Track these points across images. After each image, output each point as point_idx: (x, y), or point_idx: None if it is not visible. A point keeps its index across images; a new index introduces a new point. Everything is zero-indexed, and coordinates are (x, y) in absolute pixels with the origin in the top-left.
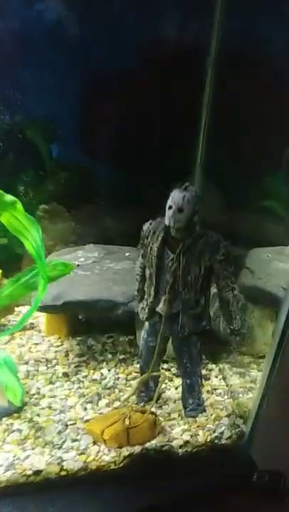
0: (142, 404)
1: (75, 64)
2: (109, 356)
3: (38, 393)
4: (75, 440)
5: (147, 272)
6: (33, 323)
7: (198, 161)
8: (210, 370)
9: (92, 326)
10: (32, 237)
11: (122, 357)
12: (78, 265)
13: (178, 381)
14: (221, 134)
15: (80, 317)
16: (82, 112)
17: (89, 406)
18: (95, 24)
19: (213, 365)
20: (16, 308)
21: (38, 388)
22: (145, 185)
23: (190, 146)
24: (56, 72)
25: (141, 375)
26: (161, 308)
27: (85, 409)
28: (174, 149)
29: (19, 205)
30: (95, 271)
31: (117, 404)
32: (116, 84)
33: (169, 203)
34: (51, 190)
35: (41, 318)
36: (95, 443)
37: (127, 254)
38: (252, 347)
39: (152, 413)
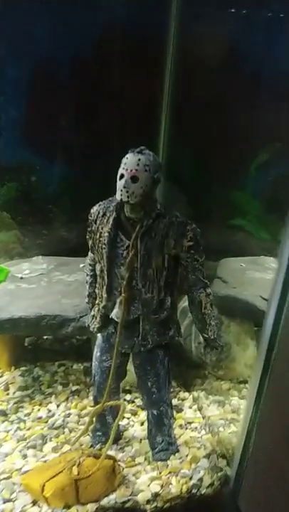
0: (98, 446)
1: (17, 50)
2: (60, 388)
3: None
4: (8, 500)
5: (98, 267)
6: None
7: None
8: (183, 400)
9: (40, 352)
10: None
11: (74, 388)
12: (21, 278)
13: (144, 415)
14: (183, 134)
15: (25, 343)
16: (26, 105)
17: (30, 452)
18: (40, 11)
19: (186, 394)
20: None
21: None
22: (102, 188)
23: (150, 145)
24: None
25: (94, 406)
26: (115, 313)
27: (25, 456)
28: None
29: None
30: (41, 283)
31: (67, 448)
32: (67, 77)
33: (120, 171)
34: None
35: None
36: (34, 503)
37: (82, 265)
38: (230, 370)
39: (110, 457)
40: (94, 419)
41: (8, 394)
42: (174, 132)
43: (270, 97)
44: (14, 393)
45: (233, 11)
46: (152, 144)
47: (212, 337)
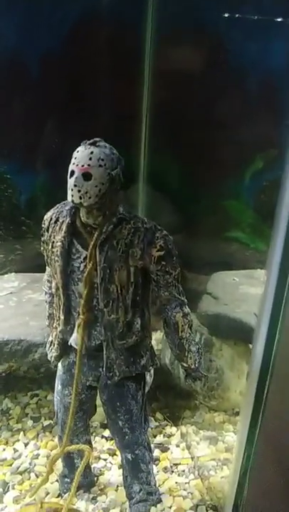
0: (66, 495)
1: None
2: (30, 423)
3: None
4: None
5: (53, 283)
6: None
7: (141, 168)
8: (169, 437)
9: (13, 380)
10: None
11: (46, 423)
12: None
13: None
14: (167, 136)
15: None
16: None
17: None
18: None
19: (174, 429)
20: None
21: None
22: None
23: (130, 150)
24: None
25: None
26: (74, 339)
27: None
28: None
29: None
30: (9, 304)
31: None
32: (36, 77)
33: (71, 167)
34: None
35: None
36: None
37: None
38: (224, 399)
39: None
40: (62, 463)
41: None
42: (158, 136)
43: (262, 101)
44: None
45: (215, 12)
46: (134, 150)
47: (192, 366)
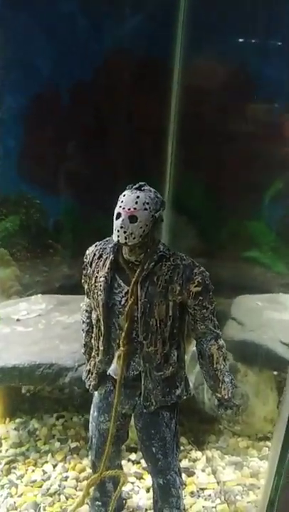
0: None
1: (15, 77)
2: (57, 445)
3: None
4: None
5: (94, 315)
6: None
7: (166, 193)
8: (194, 461)
9: (38, 401)
10: None
11: (74, 445)
12: (18, 320)
13: (150, 479)
14: (191, 162)
15: (22, 391)
16: (24, 135)
17: None
18: (40, 36)
19: (199, 453)
20: None
21: None
22: (105, 221)
23: (156, 175)
24: None
25: (93, 473)
26: (113, 369)
27: None
28: (136, 176)
29: None
30: (38, 326)
31: None
32: (68, 105)
33: (117, 209)
34: None
35: None
36: None
37: (83, 303)
38: (248, 425)
39: None
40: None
41: (0, 451)
42: (181, 161)
43: (285, 124)
44: (7, 451)
45: (241, 38)
46: (158, 173)
47: (226, 396)
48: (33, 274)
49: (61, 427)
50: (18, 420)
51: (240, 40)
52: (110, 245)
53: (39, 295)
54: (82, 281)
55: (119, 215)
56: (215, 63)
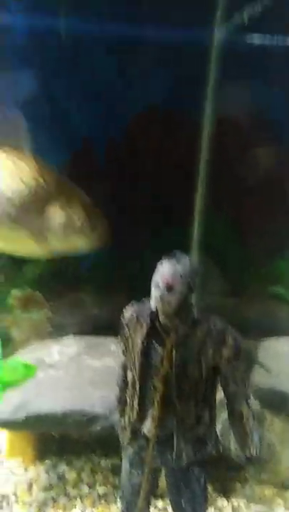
0: None
1: (55, 136)
2: (86, 490)
3: None
4: None
5: (129, 374)
6: None
7: (194, 236)
8: (220, 510)
9: (66, 444)
10: None
11: (102, 491)
12: (50, 364)
13: None
14: (219, 207)
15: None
16: None
17: None
18: (80, 91)
19: (225, 501)
20: None
21: None
22: (136, 265)
23: (185, 221)
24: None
25: None
26: (147, 428)
27: None
28: (167, 224)
29: None
30: (70, 370)
31: None
32: (103, 159)
33: (156, 279)
34: (26, 274)
35: (4, 432)
36: None
37: (112, 347)
38: (274, 473)
39: None
40: None
41: (31, 495)
42: (209, 207)
43: None
44: (38, 494)
45: (268, 91)
46: (186, 218)
47: (254, 454)
48: (65, 316)
49: (89, 471)
50: (47, 462)
51: (268, 92)
52: (147, 310)
53: (70, 336)
54: (119, 339)
55: (157, 285)
56: (241, 116)
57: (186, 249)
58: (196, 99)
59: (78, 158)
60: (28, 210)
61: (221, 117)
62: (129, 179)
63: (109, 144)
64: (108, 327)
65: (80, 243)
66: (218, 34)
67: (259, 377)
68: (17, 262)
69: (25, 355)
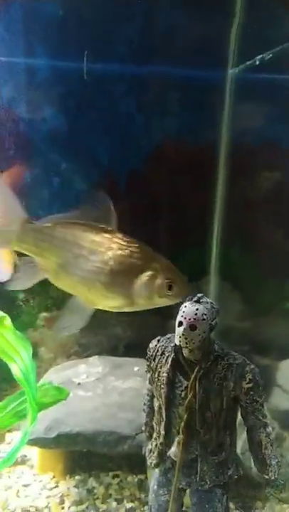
0: None
1: (79, 167)
2: (114, 505)
3: None
4: None
5: (156, 403)
6: (25, 456)
7: (212, 261)
8: None
9: (94, 459)
10: (20, 358)
11: (129, 506)
12: (79, 384)
13: None
14: (236, 232)
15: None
16: None
17: None
18: (101, 128)
19: None
20: (8, 435)
21: None
22: None
23: (203, 247)
24: (59, 174)
25: None
26: (173, 452)
27: None
28: (186, 250)
29: (8, 321)
30: (97, 391)
31: None
32: (124, 188)
33: (179, 318)
34: (53, 297)
35: (36, 449)
36: None
37: (136, 368)
38: None
39: None
40: None
41: (63, 508)
42: (227, 233)
43: None
44: (69, 508)
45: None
46: (206, 243)
47: (272, 478)
48: (90, 336)
49: (117, 486)
50: (77, 477)
51: (285, 125)
52: (172, 344)
53: (96, 357)
54: (146, 369)
55: (180, 323)
56: (259, 149)
57: (204, 272)
58: (215, 133)
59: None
60: (119, 278)
61: (236, 146)
62: (149, 207)
63: (131, 175)
64: (130, 347)
65: (162, 302)
66: (232, 74)
67: (278, 399)
68: (44, 285)
69: (54, 375)
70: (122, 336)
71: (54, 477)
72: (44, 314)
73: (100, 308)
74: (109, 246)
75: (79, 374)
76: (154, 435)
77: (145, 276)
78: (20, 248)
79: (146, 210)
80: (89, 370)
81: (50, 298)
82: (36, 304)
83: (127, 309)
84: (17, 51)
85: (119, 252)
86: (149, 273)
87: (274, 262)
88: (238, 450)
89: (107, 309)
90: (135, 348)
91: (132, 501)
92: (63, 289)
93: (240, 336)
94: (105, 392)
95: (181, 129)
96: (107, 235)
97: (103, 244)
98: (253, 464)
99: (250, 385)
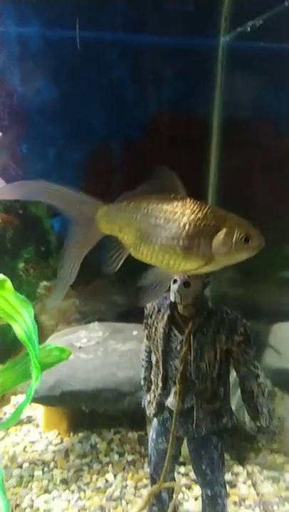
0: None
1: (74, 136)
2: (116, 457)
3: (31, 506)
4: None
5: (153, 357)
6: (30, 416)
7: None
8: (236, 475)
9: (96, 418)
10: (22, 319)
11: (130, 458)
12: (80, 347)
13: (198, 489)
14: (230, 193)
15: (83, 408)
16: (82, 184)
17: None
18: (95, 97)
19: (240, 468)
20: (13, 398)
21: (32, 500)
22: None
23: None
24: (55, 145)
25: (151, 484)
26: (170, 402)
27: None
28: None
29: (8, 284)
30: (98, 353)
31: None
32: (118, 156)
33: (175, 276)
34: (53, 267)
35: (40, 410)
36: None
37: (135, 332)
38: (284, 443)
39: None
40: None
41: (68, 461)
42: (219, 205)
43: None
44: (74, 461)
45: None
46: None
47: (264, 425)
48: (90, 304)
49: (118, 441)
50: (80, 434)
51: (277, 95)
52: (167, 302)
53: (96, 323)
54: (143, 327)
55: (175, 280)
56: (252, 119)
57: None
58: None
59: (96, 156)
60: (197, 240)
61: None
62: (142, 176)
63: (126, 143)
64: (129, 313)
65: (241, 257)
66: (224, 41)
67: (270, 359)
68: (43, 255)
69: (56, 340)
70: (121, 303)
71: (59, 434)
72: (44, 283)
73: (180, 272)
74: (182, 212)
75: (80, 338)
76: (152, 387)
77: (221, 234)
78: (106, 230)
79: (141, 178)
80: (90, 334)
81: (49, 267)
82: (37, 274)
83: (206, 269)
84: (9, 20)
85: (193, 216)
86: (224, 230)
87: (267, 226)
88: (233, 406)
89: (188, 273)
90: (134, 315)
91: (132, 454)
92: (143, 260)
93: (232, 301)
94: (105, 354)
95: (174, 97)
96: (179, 202)
97: (177, 211)
98: (246, 419)
99: (242, 338)
